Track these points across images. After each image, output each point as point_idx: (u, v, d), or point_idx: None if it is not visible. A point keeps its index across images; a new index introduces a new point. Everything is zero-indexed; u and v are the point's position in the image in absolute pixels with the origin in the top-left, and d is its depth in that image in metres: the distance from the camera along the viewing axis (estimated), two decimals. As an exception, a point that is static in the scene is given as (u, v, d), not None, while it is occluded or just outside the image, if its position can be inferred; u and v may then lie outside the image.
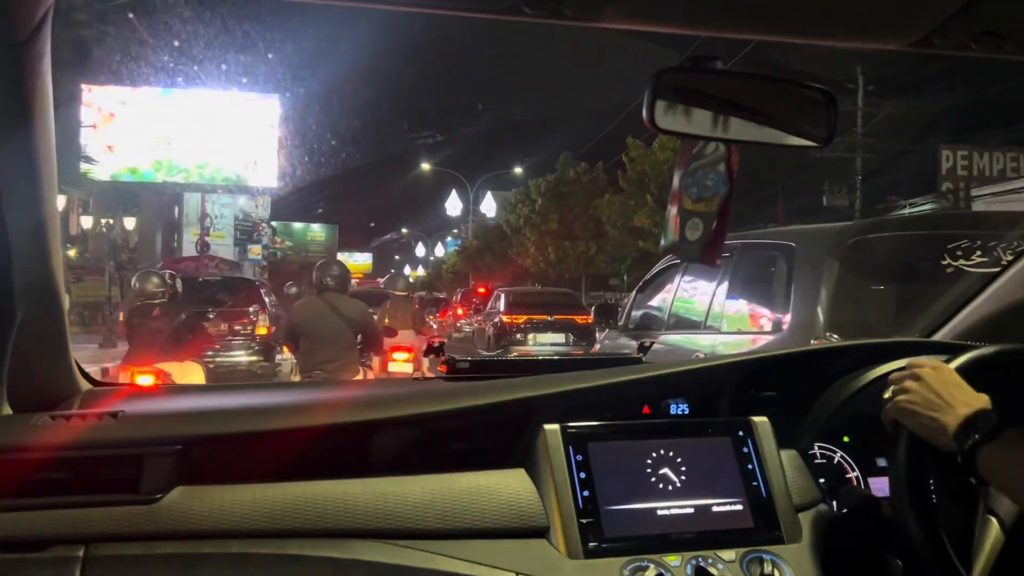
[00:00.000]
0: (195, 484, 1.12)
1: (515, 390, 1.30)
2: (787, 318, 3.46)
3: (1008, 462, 1.01)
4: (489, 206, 44.78)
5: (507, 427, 1.26)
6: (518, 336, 13.09)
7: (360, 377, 5.30)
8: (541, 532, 1.17)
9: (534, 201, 30.16)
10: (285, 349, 6.21)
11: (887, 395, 1.17)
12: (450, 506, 1.17)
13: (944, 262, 3.16)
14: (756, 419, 1.31)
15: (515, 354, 11.68)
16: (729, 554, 1.18)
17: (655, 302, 5.33)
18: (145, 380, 4.85)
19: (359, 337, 5.31)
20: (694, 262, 1.26)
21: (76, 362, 1.30)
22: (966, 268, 3.15)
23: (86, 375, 1.36)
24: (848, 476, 1.34)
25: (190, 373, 5.39)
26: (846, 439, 1.36)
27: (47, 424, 1.13)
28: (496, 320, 13.82)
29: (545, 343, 13.11)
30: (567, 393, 1.30)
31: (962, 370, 1.15)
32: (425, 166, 42.84)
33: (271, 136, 21.84)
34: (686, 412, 1.33)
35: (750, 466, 1.27)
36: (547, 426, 1.24)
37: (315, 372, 5.05)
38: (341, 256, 64.37)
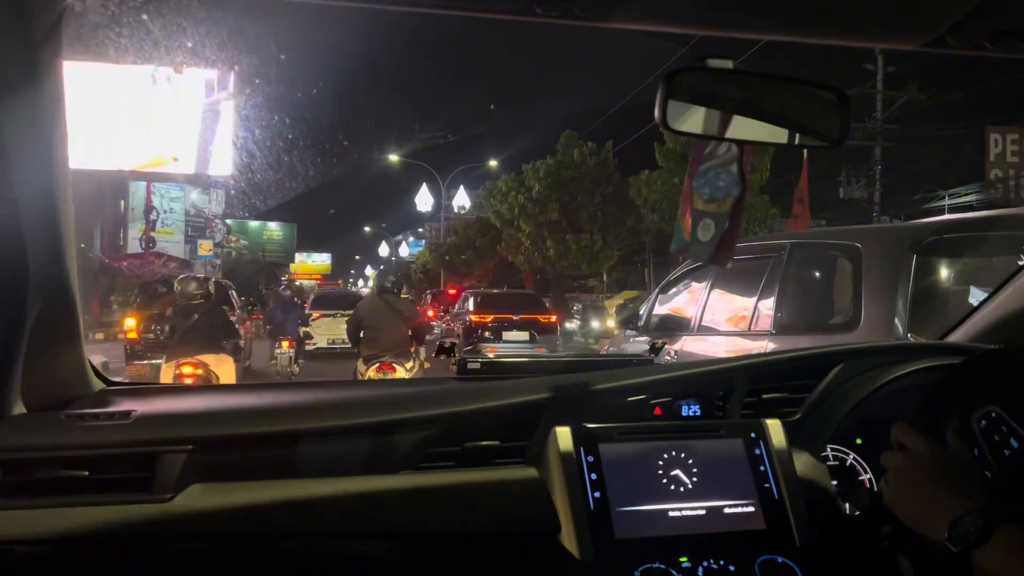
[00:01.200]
0: (208, 483, 1.19)
1: (526, 391, 1.37)
2: (859, 319, 3.60)
3: (1010, 567, 0.98)
4: (462, 201, 44.21)
5: (518, 428, 1.33)
6: (486, 334, 14.80)
7: (411, 364, 7.05)
8: (552, 533, 1.24)
9: (530, 188, 27.16)
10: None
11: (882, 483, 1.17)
12: (462, 507, 1.24)
13: (1021, 261, 3.14)
14: (768, 421, 1.38)
15: (484, 351, 12.84)
16: (741, 556, 1.24)
17: (682, 303, 5.44)
18: (188, 371, 6.32)
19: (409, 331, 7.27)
20: (705, 263, 1.30)
21: (89, 361, 1.37)
22: None
23: (99, 374, 1.43)
24: (861, 478, 1.42)
25: (223, 364, 6.75)
26: (859, 441, 1.43)
27: (61, 423, 1.21)
28: (465, 320, 15.68)
29: (511, 340, 14.59)
30: (578, 394, 1.37)
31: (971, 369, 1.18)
32: (393, 157, 41.36)
33: (224, 118, 21.47)
34: (698, 414, 1.39)
35: (762, 468, 1.34)
36: (558, 427, 1.30)
37: (376, 358, 6.84)
38: (299, 257, 63.92)
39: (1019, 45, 1.16)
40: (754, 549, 1.26)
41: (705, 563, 1.22)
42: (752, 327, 4.36)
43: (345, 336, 7.05)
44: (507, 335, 14.81)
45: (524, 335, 14.73)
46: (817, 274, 4.19)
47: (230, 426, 1.26)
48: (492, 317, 15.44)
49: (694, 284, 5.27)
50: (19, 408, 1.21)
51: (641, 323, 5.87)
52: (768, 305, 4.26)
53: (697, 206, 1.32)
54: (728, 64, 1.23)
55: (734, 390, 1.43)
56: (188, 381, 6.16)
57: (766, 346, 4.10)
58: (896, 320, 3.42)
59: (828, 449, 1.41)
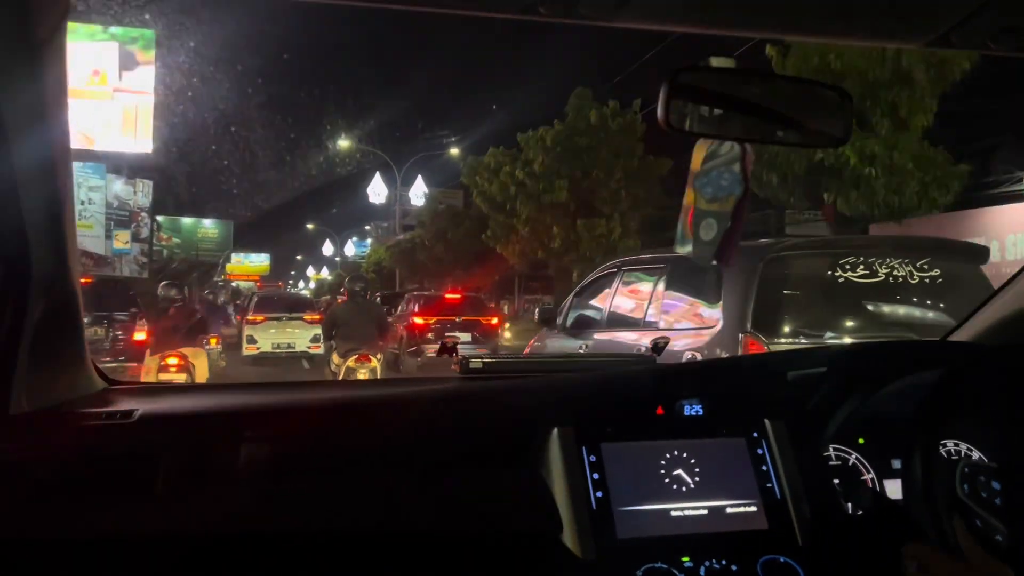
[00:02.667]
0: (209, 483, 1.27)
1: (528, 391, 1.48)
2: (719, 317, 5.02)
3: None
4: (420, 191, 42.49)
5: (520, 428, 1.42)
6: (429, 336, 15.58)
7: (380, 355, 9.03)
8: (554, 533, 1.32)
9: (529, 162, 22.62)
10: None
11: None
12: (462, 507, 1.33)
13: (836, 274, 4.96)
14: (771, 420, 1.49)
15: (427, 352, 15.17)
16: (743, 556, 1.34)
17: (594, 304, 7.08)
18: (173, 362, 8.19)
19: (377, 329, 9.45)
20: (708, 263, 1.37)
21: (92, 360, 1.45)
22: (853, 280, 4.96)
23: (102, 373, 1.51)
24: (863, 478, 1.53)
25: (199, 356, 8.70)
26: (861, 441, 1.55)
27: (63, 422, 1.29)
28: (407, 322, 16.54)
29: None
30: (580, 393, 1.48)
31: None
32: (343, 143, 39.41)
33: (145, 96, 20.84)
34: (700, 413, 1.48)
35: (765, 467, 1.44)
36: (560, 427, 1.39)
37: (354, 350, 8.74)
38: (236, 256, 62.94)
39: (1022, 44, 1.24)
40: (756, 549, 1.35)
41: (707, 563, 1.31)
42: (644, 323, 5.95)
43: (291, 341, 8.93)
44: (450, 336, 15.46)
45: (467, 336, 15.65)
46: (692, 281, 5.60)
47: (233, 426, 1.34)
48: (435, 319, 16.12)
49: (603, 288, 6.90)
50: (21, 407, 1.28)
51: (559, 321, 7.42)
52: (655, 306, 5.86)
53: (700, 205, 1.39)
54: (731, 63, 1.31)
55: (736, 389, 1.54)
56: (172, 371, 8.12)
57: (652, 336, 5.43)
58: (746, 319, 4.75)
59: (830, 448, 1.53)
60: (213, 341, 12.64)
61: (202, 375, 8.47)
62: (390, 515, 1.30)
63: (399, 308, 18.29)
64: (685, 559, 1.30)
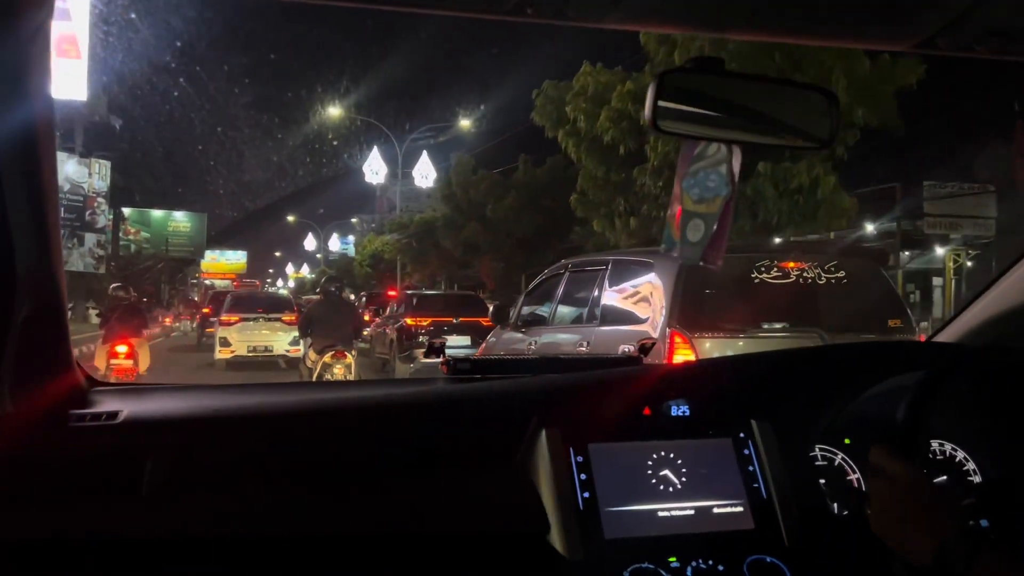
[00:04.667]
0: (195, 485, 1.32)
1: (515, 391, 1.54)
2: (652, 314, 5.85)
3: None
4: (425, 171, 37.95)
5: (507, 428, 1.47)
6: (423, 339, 14.73)
7: (354, 352, 10.22)
8: (541, 533, 1.38)
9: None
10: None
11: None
12: (449, 508, 1.38)
13: (752, 275, 5.81)
14: (757, 420, 1.55)
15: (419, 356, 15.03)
16: (730, 556, 1.40)
17: (542, 303, 7.92)
18: (121, 349, 10.18)
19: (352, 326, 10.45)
20: (695, 263, 1.46)
21: (77, 361, 1.49)
22: (768, 280, 5.84)
23: (86, 374, 1.55)
24: (849, 478, 1.59)
25: (143, 347, 10.88)
26: (847, 441, 1.60)
27: (48, 423, 1.34)
28: (400, 323, 15.97)
29: (451, 345, 14.47)
30: (567, 394, 1.54)
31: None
32: (334, 111, 35.81)
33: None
34: (687, 413, 1.54)
35: (751, 468, 1.50)
36: (547, 427, 1.45)
37: (331, 347, 9.76)
38: (211, 254, 61.35)
39: (1008, 47, 1.32)
40: (743, 549, 1.40)
41: (694, 563, 1.37)
42: (585, 320, 6.87)
43: (268, 343, 9.63)
44: (446, 339, 15.00)
45: (465, 339, 15.02)
46: (628, 281, 6.50)
47: (219, 427, 1.39)
48: (429, 320, 15.73)
49: (551, 288, 7.74)
50: (6, 408, 1.31)
51: (511, 320, 8.25)
52: (597, 304, 6.71)
53: (687, 206, 1.48)
54: (719, 65, 1.39)
55: (723, 390, 1.60)
56: (120, 358, 10.11)
57: (593, 332, 6.60)
58: (670, 315, 5.60)
59: (816, 449, 1.58)
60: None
61: (145, 363, 10.72)
62: (377, 517, 1.34)
63: (388, 308, 17.58)
64: (672, 559, 1.36)
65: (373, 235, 43.79)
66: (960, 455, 1.61)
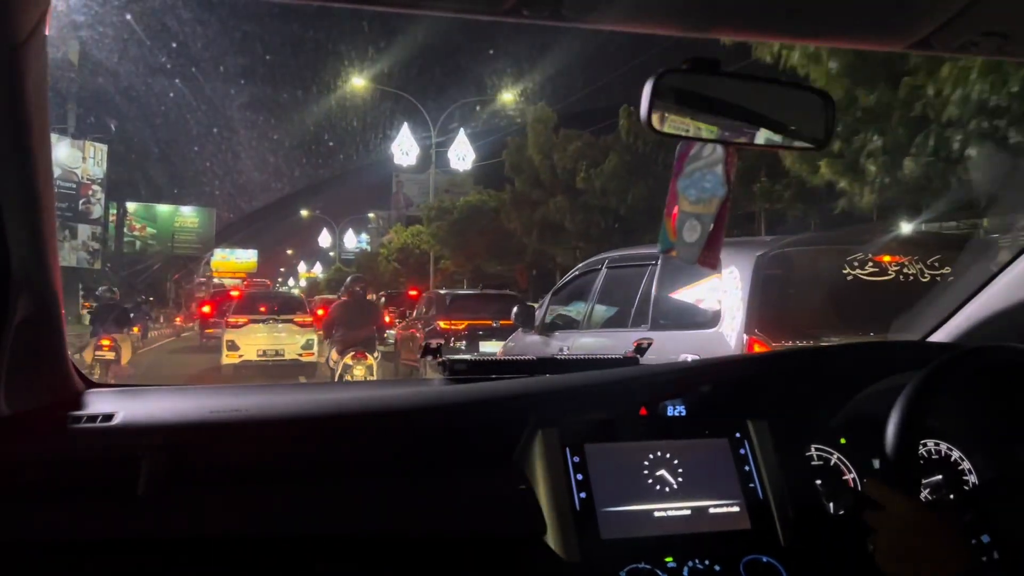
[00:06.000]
0: (190, 485, 1.36)
1: (512, 392, 1.57)
2: (721, 316, 4.91)
3: None
4: (463, 152, 33.42)
5: (504, 429, 1.51)
6: (458, 344, 13.69)
7: (377, 353, 10.62)
8: (538, 534, 1.42)
9: None
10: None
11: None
12: (447, 508, 1.42)
13: (844, 271, 4.87)
14: (753, 421, 1.58)
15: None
16: (726, 556, 1.43)
17: (572, 304, 7.18)
18: (105, 343, 11.64)
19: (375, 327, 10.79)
20: (692, 264, 1.51)
21: (72, 363, 1.53)
22: (861, 277, 4.90)
23: (82, 375, 1.59)
24: (845, 478, 1.62)
25: (125, 342, 12.35)
26: (843, 441, 1.64)
27: (44, 425, 1.37)
28: (432, 327, 14.58)
29: (489, 353, 13.45)
30: (564, 395, 1.57)
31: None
32: (359, 81, 30.50)
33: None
34: (683, 414, 1.59)
35: (747, 468, 1.54)
36: (544, 428, 1.49)
37: (352, 347, 10.10)
38: (220, 252, 60.12)
39: (1004, 47, 1.35)
40: (739, 549, 1.44)
41: (690, 563, 1.41)
42: (631, 324, 5.81)
43: (280, 347, 9.76)
44: (484, 345, 13.72)
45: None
46: (689, 277, 5.41)
47: (213, 429, 1.43)
48: (465, 324, 14.30)
49: (584, 287, 6.88)
50: (2, 411, 1.36)
51: (537, 323, 7.48)
52: (647, 304, 5.71)
53: (684, 207, 1.52)
54: (715, 66, 1.43)
55: (719, 390, 1.63)
56: (104, 351, 11.57)
57: (643, 337, 5.29)
58: (748, 318, 4.67)
59: (812, 449, 1.61)
60: (136, 329, 15.87)
61: (126, 356, 12.21)
62: (374, 519, 1.38)
63: (415, 310, 16.07)
64: (668, 559, 1.40)
65: (400, 226, 41.19)
66: (955, 454, 1.64)
